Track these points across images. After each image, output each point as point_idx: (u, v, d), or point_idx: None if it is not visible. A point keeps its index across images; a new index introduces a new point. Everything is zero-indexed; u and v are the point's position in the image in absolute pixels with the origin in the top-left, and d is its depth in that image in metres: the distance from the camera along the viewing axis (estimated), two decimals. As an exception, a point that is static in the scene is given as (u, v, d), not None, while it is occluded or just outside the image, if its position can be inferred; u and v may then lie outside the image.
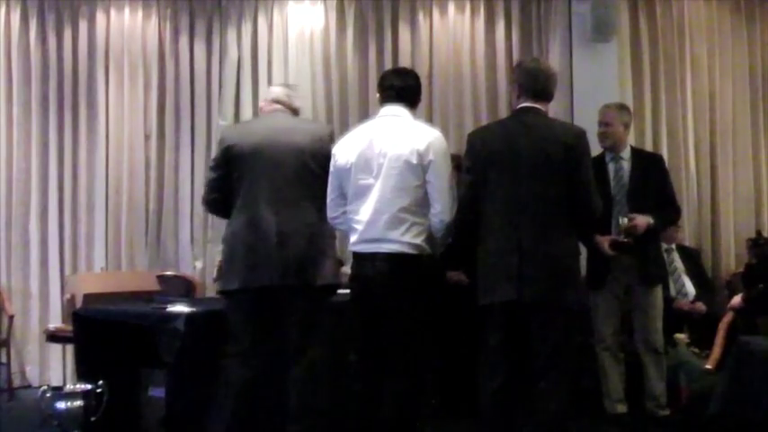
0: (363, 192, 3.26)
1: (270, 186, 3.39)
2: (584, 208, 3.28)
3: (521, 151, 3.25)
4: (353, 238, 3.32)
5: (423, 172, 3.21)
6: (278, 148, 3.41)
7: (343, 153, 3.34)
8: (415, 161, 3.20)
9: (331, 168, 3.39)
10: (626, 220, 4.06)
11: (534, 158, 3.23)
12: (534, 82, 3.36)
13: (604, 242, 4.09)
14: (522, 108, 3.37)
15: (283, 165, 3.40)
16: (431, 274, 3.34)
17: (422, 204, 3.24)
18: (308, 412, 3.34)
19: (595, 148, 4.15)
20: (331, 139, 3.49)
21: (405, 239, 3.20)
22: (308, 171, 3.41)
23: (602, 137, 4.38)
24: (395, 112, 3.35)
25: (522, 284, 3.16)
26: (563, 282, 3.20)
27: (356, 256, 3.33)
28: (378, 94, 3.48)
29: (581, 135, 3.31)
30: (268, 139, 3.44)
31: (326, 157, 3.40)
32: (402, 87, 3.38)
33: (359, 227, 3.28)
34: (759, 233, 5.05)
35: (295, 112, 3.69)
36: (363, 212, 3.26)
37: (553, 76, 3.46)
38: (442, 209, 3.22)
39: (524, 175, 3.23)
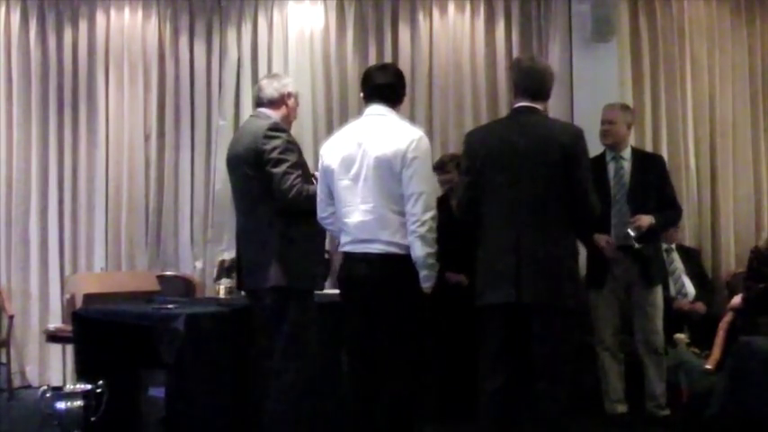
0: (349, 193, 3.25)
1: (233, 195, 3.77)
2: (582, 207, 3.27)
3: (518, 151, 3.24)
4: (344, 239, 3.33)
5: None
6: (229, 159, 3.67)
7: (329, 154, 3.36)
8: (398, 162, 3.16)
9: (319, 168, 3.42)
10: (630, 230, 4.08)
11: (531, 158, 3.21)
12: (530, 81, 3.35)
13: (601, 240, 4.10)
14: (518, 108, 3.36)
15: (232, 175, 3.66)
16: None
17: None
18: (278, 422, 3.40)
19: (595, 148, 4.16)
20: (266, 135, 3.45)
21: (395, 240, 3.19)
22: (245, 178, 3.55)
23: (605, 134, 4.38)
24: (379, 111, 3.32)
25: (521, 285, 3.15)
26: (562, 282, 3.19)
27: (347, 256, 3.33)
28: (361, 93, 3.44)
29: (578, 134, 3.31)
30: (229, 150, 3.70)
31: (258, 155, 3.46)
32: (384, 85, 3.35)
33: (348, 228, 3.28)
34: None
35: (267, 104, 3.64)
36: (350, 214, 3.26)
37: (550, 75, 3.42)
38: (412, 205, 3.13)
39: (522, 175, 3.22)
